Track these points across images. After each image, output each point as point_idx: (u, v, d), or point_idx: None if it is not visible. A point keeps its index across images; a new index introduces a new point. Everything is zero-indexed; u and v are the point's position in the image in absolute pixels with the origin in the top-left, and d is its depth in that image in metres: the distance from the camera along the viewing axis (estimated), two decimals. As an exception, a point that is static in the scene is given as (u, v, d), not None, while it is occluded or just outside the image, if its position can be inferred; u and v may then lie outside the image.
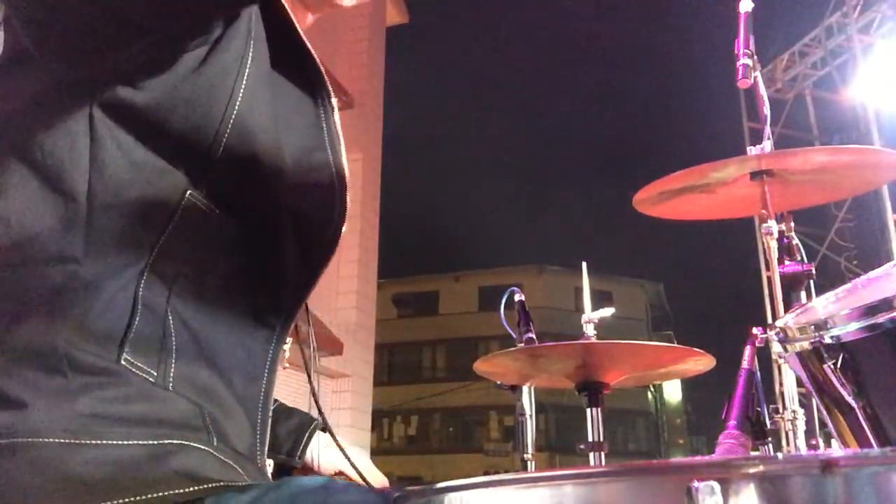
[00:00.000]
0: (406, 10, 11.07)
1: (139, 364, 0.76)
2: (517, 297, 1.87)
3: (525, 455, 1.78)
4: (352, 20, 9.42)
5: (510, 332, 1.80)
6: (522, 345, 1.71)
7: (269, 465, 1.05)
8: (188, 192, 0.81)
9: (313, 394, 1.07)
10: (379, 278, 9.59)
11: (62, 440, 0.68)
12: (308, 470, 1.14)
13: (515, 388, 1.85)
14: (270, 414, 0.90)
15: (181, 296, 0.81)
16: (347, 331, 8.34)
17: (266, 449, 0.90)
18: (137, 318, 0.77)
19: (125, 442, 0.71)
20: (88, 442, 0.69)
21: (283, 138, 0.89)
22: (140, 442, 0.71)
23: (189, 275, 0.82)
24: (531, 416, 1.82)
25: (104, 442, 0.70)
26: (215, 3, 0.74)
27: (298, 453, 1.12)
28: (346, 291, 8.70)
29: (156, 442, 0.72)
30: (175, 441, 0.73)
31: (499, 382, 1.86)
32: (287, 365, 0.99)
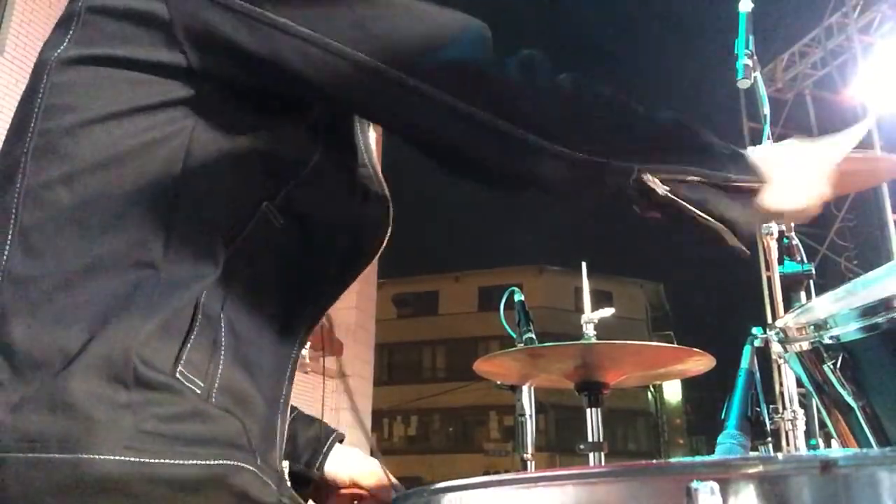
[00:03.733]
0: (406, 10, 11.07)
1: (190, 375, 0.74)
2: (517, 297, 1.87)
3: (525, 455, 1.78)
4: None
5: (510, 332, 1.80)
6: (522, 345, 1.71)
7: (285, 465, 1.03)
8: (265, 202, 0.81)
9: (351, 400, 1.06)
10: (379, 278, 9.60)
11: (124, 457, 0.67)
12: (329, 483, 1.11)
13: (515, 388, 1.85)
14: (289, 418, 0.90)
15: (234, 302, 0.80)
16: (347, 331, 8.35)
17: (282, 452, 0.89)
18: (196, 328, 0.75)
19: (185, 462, 0.69)
20: (150, 460, 0.67)
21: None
22: (199, 462, 0.70)
23: (244, 282, 0.81)
24: (531, 416, 1.82)
25: (165, 461, 0.68)
26: None
27: (317, 465, 1.09)
28: (346, 291, 8.70)
29: (213, 462, 0.71)
30: (229, 462, 0.72)
31: (499, 382, 1.86)
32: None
